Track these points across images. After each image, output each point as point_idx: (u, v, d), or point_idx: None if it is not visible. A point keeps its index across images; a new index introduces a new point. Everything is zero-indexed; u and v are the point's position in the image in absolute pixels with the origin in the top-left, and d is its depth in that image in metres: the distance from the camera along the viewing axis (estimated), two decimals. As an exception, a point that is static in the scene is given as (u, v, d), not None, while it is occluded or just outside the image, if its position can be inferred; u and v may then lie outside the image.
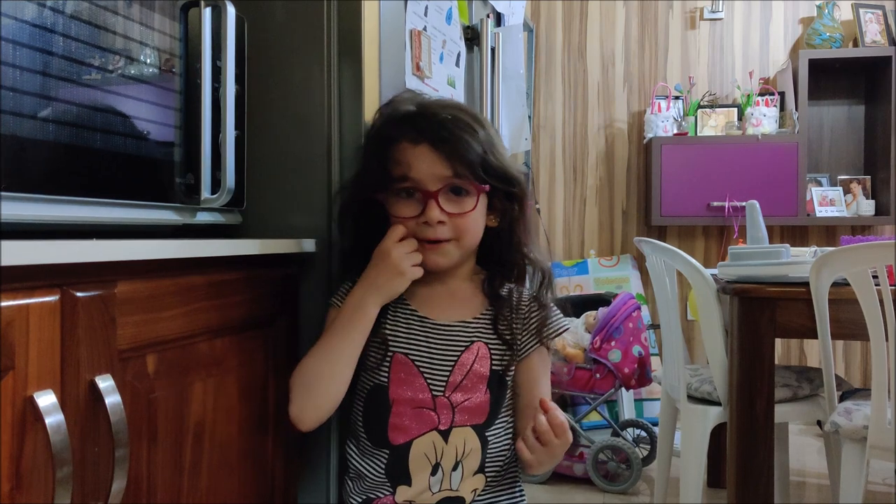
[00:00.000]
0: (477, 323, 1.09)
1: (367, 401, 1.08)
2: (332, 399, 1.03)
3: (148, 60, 0.94)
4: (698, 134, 3.50)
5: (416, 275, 1.04)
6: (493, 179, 1.05)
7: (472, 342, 1.08)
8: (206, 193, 1.01)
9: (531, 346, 1.10)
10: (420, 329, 1.07)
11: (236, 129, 1.06)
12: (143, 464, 0.81)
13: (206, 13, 0.99)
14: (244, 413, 1.02)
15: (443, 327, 1.08)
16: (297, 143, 1.18)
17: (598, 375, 2.58)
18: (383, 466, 1.06)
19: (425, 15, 1.48)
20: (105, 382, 0.73)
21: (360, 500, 1.08)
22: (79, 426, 0.71)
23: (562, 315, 1.13)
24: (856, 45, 3.45)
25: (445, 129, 1.03)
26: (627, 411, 3.01)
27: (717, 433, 2.21)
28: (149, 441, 0.82)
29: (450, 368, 1.06)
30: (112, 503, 0.74)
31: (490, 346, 1.08)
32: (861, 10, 3.45)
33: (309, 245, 1.12)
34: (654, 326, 3.10)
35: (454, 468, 1.06)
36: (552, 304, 1.12)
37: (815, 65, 3.36)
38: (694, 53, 3.69)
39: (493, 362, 1.08)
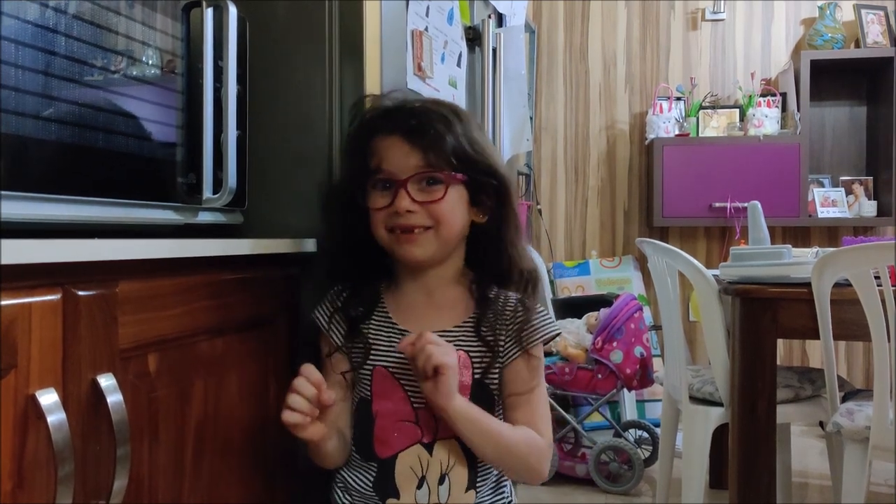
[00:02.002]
0: (458, 331, 1.05)
1: (355, 414, 1.08)
2: (342, 455, 1.07)
3: (150, 61, 0.94)
4: (700, 135, 3.50)
5: (294, 420, 0.97)
6: (469, 170, 1.03)
7: None
8: (207, 193, 1.01)
9: (514, 353, 1.05)
10: (399, 341, 1.04)
11: (238, 128, 1.06)
12: (144, 463, 0.82)
13: (208, 13, 1.00)
14: (244, 412, 1.02)
15: None
16: (298, 143, 1.18)
17: (599, 376, 2.58)
18: (371, 480, 1.05)
19: (427, 15, 1.49)
20: (107, 381, 0.74)
21: None
22: (80, 425, 0.71)
23: (552, 319, 1.09)
24: (857, 45, 3.45)
25: (415, 118, 1.02)
26: (629, 412, 3.01)
27: (719, 434, 2.20)
28: (150, 440, 0.82)
29: None
30: (114, 502, 0.74)
31: (472, 353, 1.05)
32: (863, 11, 3.44)
33: (310, 245, 1.12)
34: (656, 327, 3.10)
35: (440, 482, 1.04)
36: (541, 308, 1.08)
37: (816, 66, 3.36)
38: (695, 54, 3.69)
39: (475, 370, 1.05)
